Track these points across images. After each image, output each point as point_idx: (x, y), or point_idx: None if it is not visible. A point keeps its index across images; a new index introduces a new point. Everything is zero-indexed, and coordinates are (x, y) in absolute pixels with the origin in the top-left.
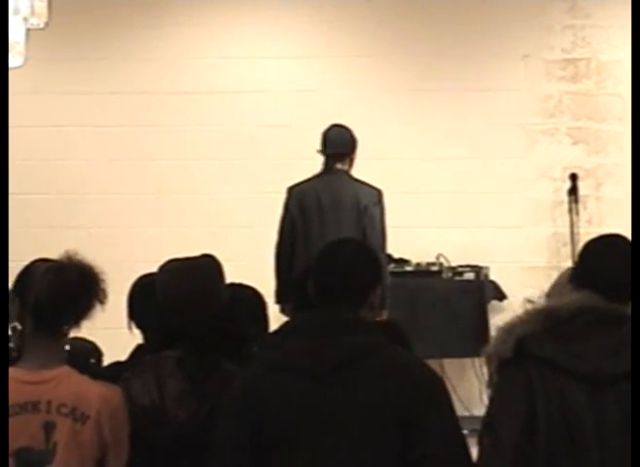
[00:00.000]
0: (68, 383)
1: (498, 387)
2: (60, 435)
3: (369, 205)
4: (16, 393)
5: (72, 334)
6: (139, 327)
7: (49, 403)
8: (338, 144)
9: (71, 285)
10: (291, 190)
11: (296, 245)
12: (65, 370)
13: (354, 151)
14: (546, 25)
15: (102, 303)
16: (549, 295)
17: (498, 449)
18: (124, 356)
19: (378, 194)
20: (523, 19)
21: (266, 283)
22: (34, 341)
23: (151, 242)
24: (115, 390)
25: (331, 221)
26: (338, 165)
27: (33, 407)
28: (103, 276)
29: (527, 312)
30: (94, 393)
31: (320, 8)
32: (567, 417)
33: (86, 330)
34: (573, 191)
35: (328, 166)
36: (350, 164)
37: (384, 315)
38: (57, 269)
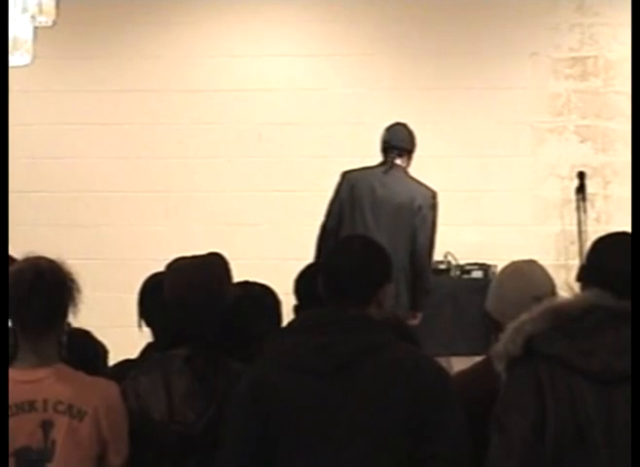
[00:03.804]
0: (64, 381)
1: (507, 385)
2: (58, 433)
3: (423, 206)
4: (12, 393)
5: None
6: (149, 325)
7: (45, 401)
8: (403, 139)
9: (25, 287)
10: (345, 174)
11: (340, 229)
12: (60, 367)
13: (414, 150)
14: (554, 23)
15: (73, 298)
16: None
17: (507, 447)
18: (134, 355)
19: (433, 195)
20: (531, 18)
21: (273, 281)
22: (24, 341)
23: (159, 240)
24: (112, 385)
25: (383, 214)
26: (398, 161)
27: (30, 406)
28: (66, 272)
29: (537, 310)
30: (91, 389)
31: (328, 6)
32: (576, 415)
33: (95, 328)
34: (581, 189)
35: (388, 160)
36: (408, 163)
37: (418, 318)
38: (15, 271)
